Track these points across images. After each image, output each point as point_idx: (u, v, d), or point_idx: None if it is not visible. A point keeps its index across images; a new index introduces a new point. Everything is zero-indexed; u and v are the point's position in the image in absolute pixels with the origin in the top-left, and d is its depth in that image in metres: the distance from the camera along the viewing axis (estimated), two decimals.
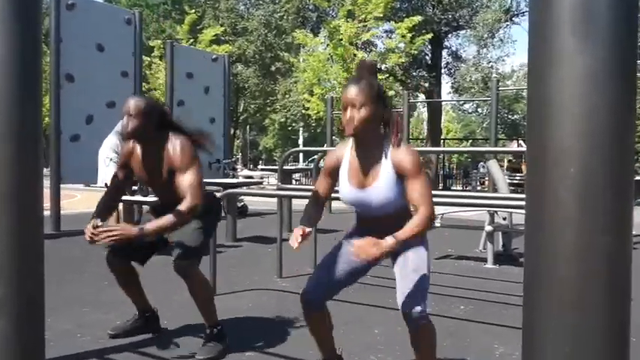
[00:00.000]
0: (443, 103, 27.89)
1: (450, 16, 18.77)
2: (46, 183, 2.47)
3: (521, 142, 19.47)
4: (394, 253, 2.05)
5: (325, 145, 10.44)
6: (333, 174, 2.18)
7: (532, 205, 0.94)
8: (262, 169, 18.21)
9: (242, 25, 25.40)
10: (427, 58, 20.17)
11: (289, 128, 29.88)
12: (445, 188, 20.48)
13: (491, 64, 20.23)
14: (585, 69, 0.87)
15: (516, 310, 3.36)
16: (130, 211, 5.56)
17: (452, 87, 21.80)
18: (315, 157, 8.05)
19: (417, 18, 14.79)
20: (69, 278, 4.18)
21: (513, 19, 19.49)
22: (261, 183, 10.26)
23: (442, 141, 23.08)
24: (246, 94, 27.78)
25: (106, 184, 5.32)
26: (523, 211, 1.39)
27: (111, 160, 5.32)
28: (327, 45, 15.60)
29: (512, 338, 2.91)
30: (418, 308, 1.92)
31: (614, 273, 0.89)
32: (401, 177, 1.99)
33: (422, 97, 21.54)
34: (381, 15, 14.69)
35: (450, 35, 20.69)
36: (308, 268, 4.52)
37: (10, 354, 1.47)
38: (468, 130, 45.86)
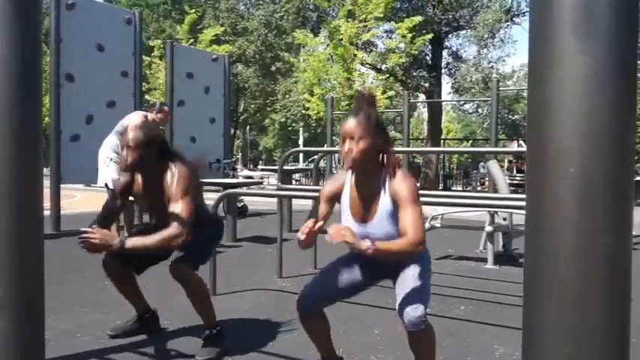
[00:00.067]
0: (443, 103, 27.92)
1: (451, 17, 18.78)
2: (46, 183, 2.47)
3: (521, 142, 19.47)
4: (394, 275, 2.05)
5: (325, 145, 10.44)
6: (333, 200, 2.19)
7: (532, 205, 0.94)
8: (262, 169, 18.22)
9: (242, 25, 25.41)
10: (427, 58, 20.18)
11: (289, 128, 29.90)
12: (445, 188, 20.49)
13: (491, 64, 20.25)
14: (586, 69, 0.87)
15: (516, 310, 3.36)
16: (130, 212, 5.55)
17: (452, 87, 21.81)
18: (315, 157, 8.07)
19: (418, 18, 14.80)
20: (69, 278, 4.18)
21: (514, 19, 19.50)
22: (261, 183, 10.27)
23: (442, 141, 23.08)
24: (246, 94, 27.79)
25: (106, 185, 5.32)
26: (523, 212, 1.40)
27: (111, 160, 5.32)
28: (328, 45, 15.62)
29: (512, 338, 2.91)
30: (417, 312, 1.91)
31: (614, 273, 0.89)
32: (398, 207, 2.00)
33: (422, 97, 21.55)
34: (382, 15, 14.71)
35: (450, 35, 20.71)
36: (308, 268, 4.52)
37: (10, 354, 1.47)
38: (468, 131, 45.88)
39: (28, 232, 1.49)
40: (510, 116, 36.82)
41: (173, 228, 2.40)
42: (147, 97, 18.99)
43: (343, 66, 14.68)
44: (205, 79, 8.59)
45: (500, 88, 10.43)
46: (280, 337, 2.93)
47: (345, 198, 2.13)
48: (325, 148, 9.24)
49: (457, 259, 5.46)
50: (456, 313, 3.46)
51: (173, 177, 2.51)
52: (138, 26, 7.38)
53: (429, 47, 19.61)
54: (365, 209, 2.07)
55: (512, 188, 10.63)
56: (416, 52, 15.60)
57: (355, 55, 14.80)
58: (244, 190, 5.92)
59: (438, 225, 5.60)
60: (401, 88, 19.09)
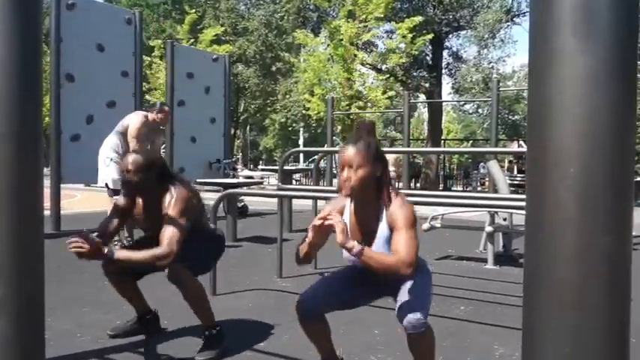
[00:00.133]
0: (443, 103, 27.90)
1: (451, 17, 18.76)
2: (46, 183, 2.47)
3: (521, 142, 19.47)
4: (395, 292, 2.04)
5: (326, 146, 10.44)
6: None
7: (532, 205, 0.94)
8: (262, 170, 18.23)
9: (242, 25, 25.41)
10: (428, 58, 20.17)
11: (290, 128, 29.89)
12: (446, 189, 20.49)
13: (491, 64, 20.22)
14: (586, 69, 0.87)
15: (516, 310, 3.36)
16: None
17: (452, 87, 21.79)
18: (316, 157, 8.07)
19: (418, 18, 14.80)
20: (69, 278, 4.18)
21: (514, 19, 19.48)
22: (261, 183, 10.27)
23: (443, 141, 23.08)
24: (246, 94, 27.79)
25: (106, 184, 5.32)
26: (523, 212, 1.39)
27: (111, 159, 5.32)
28: (328, 45, 15.61)
29: (512, 339, 2.91)
30: (417, 315, 1.91)
31: (614, 273, 0.89)
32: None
33: (422, 97, 21.55)
34: (382, 15, 14.70)
35: (450, 36, 20.70)
36: (308, 269, 4.52)
37: (10, 354, 1.47)
38: (468, 131, 45.88)
39: (28, 232, 1.49)
40: (511, 116, 36.83)
41: (161, 248, 2.43)
42: (147, 97, 19.00)
43: (343, 66, 14.67)
44: (206, 79, 8.59)
45: (501, 89, 10.43)
46: (280, 337, 2.92)
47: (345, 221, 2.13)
48: (325, 149, 9.24)
49: (457, 259, 5.46)
50: (456, 313, 3.46)
51: (172, 199, 2.54)
52: (138, 26, 7.39)
53: (430, 47, 19.60)
54: (363, 236, 2.08)
55: (513, 189, 10.63)
56: (416, 53, 15.59)
57: (355, 56, 14.79)
58: (244, 190, 5.92)
59: (438, 225, 5.60)
60: (401, 88, 19.09)
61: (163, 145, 7.42)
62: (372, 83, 15.79)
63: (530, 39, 0.94)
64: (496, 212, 5.24)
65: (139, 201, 2.71)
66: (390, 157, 14.09)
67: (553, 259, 0.90)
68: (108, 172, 5.31)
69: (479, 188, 19.21)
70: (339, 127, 15.18)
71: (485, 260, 5.19)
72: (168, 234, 2.45)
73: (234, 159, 11.42)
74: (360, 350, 2.73)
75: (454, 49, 21.99)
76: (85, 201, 10.79)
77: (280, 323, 3.13)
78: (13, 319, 1.46)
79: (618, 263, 0.89)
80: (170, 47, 8.14)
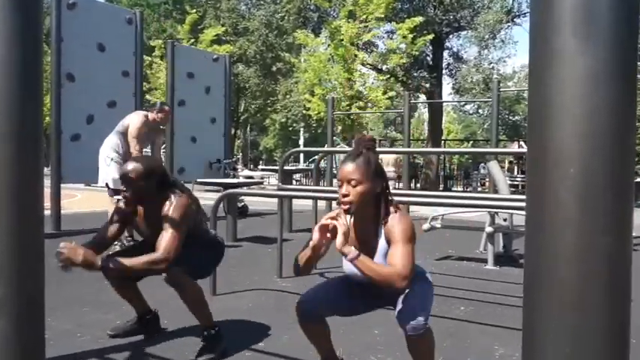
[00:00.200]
0: (444, 104, 27.91)
1: (451, 17, 18.76)
2: (47, 182, 2.47)
3: (522, 143, 19.47)
4: (394, 302, 2.04)
5: (326, 146, 10.44)
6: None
7: (532, 206, 0.94)
8: (263, 170, 18.24)
9: (243, 25, 25.42)
10: (428, 58, 20.17)
11: (290, 128, 29.89)
12: (446, 189, 20.50)
13: (492, 65, 20.20)
14: (586, 70, 0.87)
15: (516, 311, 3.36)
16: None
17: (453, 88, 21.79)
18: (316, 157, 8.07)
19: (419, 19, 14.80)
20: (69, 278, 4.15)
21: (514, 20, 19.47)
22: (261, 183, 10.27)
23: (443, 142, 23.09)
24: (247, 94, 27.79)
25: (106, 184, 5.32)
26: (523, 212, 1.39)
27: (112, 159, 5.32)
28: (328, 45, 15.61)
29: (513, 339, 2.90)
30: (416, 316, 1.91)
31: (614, 274, 0.89)
32: None
33: (423, 97, 21.55)
34: (383, 15, 14.70)
35: (451, 36, 20.70)
36: None
37: (10, 354, 1.47)
38: (468, 131, 45.89)
39: (28, 232, 1.49)
40: (511, 117, 36.83)
41: (157, 254, 2.43)
42: (148, 96, 19.01)
43: (344, 66, 14.67)
44: (206, 79, 8.60)
45: (501, 89, 10.42)
46: (280, 337, 2.92)
47: None
48: (326, 149, 9.24)
49: (457, 259, 5.46)
50: (456, 313, 3.46)
51: (170, 206, 2.54)
52: (139, 26, 7.39)
53: (430, 48, 19.61)
54: (362, 251, 2.07)
55: (513, 189, 10.63)
56: (417, 53, 15.59)
57: (356, 56, 14.79)
58: (245, 190, 5.92)
59: (439, 225, 5.60)
60: (402, 88, 19.09)
61: (163, 145, 7.42)
62: (373, 83, 15.79)
63: (530, 39, 0.94)
64: (496, 213, 5.24)
65: (140, 209, 2.71)
66: (390, 158, 14.10)
67: (553, 260, 0.90)
68: (108, 171, 5.31)
69: (479, 189, 19.21)
70: (340, 128, 15.19)
71: (485, 261, 5.19)
72: (165, 239, 2.45)
73: (234, 159, 11.43)
74: (360, 350, 2.73)
75: (455, 49, 22.02)
76: (86, 201, 10.79)
77: (280, 323, 3.13)
78: (13, 319, 1.46)
79: (618, 264, 0.89)
80: (170, 47, 8.14)
